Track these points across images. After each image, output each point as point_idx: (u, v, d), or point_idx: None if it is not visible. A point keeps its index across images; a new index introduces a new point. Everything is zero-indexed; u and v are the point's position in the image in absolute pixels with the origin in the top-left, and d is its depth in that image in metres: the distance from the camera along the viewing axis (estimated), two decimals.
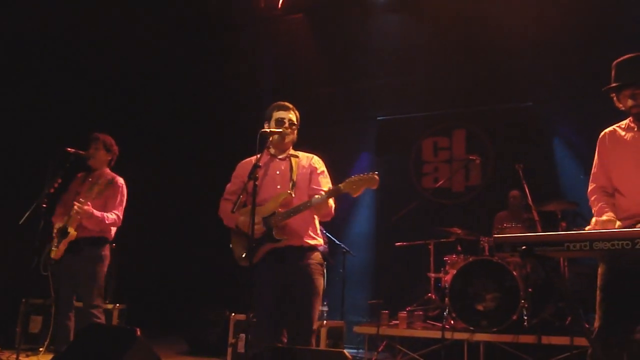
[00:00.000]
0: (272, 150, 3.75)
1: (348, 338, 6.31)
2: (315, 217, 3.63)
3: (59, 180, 4.66)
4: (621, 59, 3.06)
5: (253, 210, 3.38)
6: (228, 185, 3.78)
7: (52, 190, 4.62)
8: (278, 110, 3.77)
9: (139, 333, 3.06)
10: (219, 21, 7.89)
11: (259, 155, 3.48)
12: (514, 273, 5.35)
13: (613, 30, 6.66)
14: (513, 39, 7.00)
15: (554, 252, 2.75)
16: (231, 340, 5.40)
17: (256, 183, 3.42)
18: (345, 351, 2.43)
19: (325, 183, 3.63)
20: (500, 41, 7.05)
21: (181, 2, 7.46)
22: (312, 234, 3.56)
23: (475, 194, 7.78)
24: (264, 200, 3.58)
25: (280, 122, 3.69)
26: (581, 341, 4.69)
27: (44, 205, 4.55)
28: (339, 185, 3.35)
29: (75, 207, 4.49)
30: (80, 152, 4.78)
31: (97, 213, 4.56)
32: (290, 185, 3.57)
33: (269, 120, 3.74)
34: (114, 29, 6.69)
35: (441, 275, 6.08)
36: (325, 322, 5.25)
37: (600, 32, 6.73)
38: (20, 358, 4.70)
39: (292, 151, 3.79)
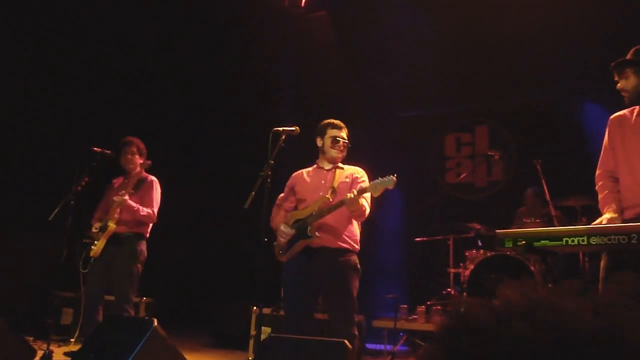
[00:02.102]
0: (320, 163, 3.98)
1: (369, 332, 6.40)
2: (354, 222, 3.77)
3: (86, 179, 4.90)
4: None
5: (266, 204, 3.56)
6: (280, 195, 4.05)
7: (79, 188, 4.86)
8: (332, 128, 3.98)
9: (155, 323, 3.21)
10: (241, 19, 8.02)
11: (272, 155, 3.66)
12: (532, 268, 5.36)
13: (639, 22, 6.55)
14: (536, 33, 6.95)
15: (553, 247, 2.80)
16: (252, 332, 5.55)
17: (267, 180, 3.59)
18: (346, 341, 2.52)
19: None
20: (523, 36, 7.00)
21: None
22: (347, 237, 3.72)
23: (498, 190, 7.76)
24: (307, 206, 3.79)
25: (335, 142, 3.88)
26: None
27: (72, 202, 4.81)
28: (364, 186, 3.49)
29: (116, 198, 4.76)
30: (107, 151, 5.02)
31: (133, 204, 4.80)
32: (330, 191, 3.74)
33: (322, 136, 3.96)
34: (137, 29, 6.88)
35: (460, 270, 6.11)
36: None
37: (626, 25, 6.62)
38: (51, 348, 4.95)
39: (338, 163, 4.00)
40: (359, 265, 3.77)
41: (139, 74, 7.51)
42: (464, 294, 5.63)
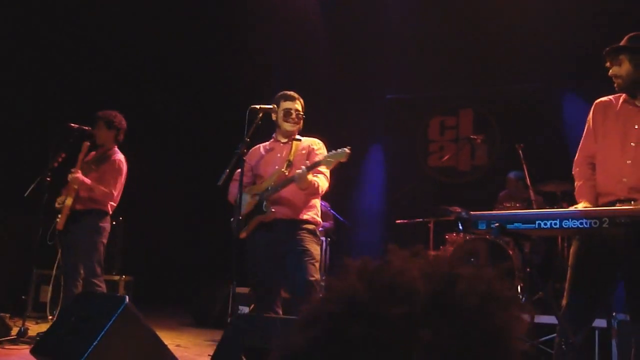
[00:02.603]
0: (278, 137, 3.90)
1: None
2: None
3: (63, 155, 4.82)
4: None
5: (240, 186, 3.53)
6: (237, 170, 3.91)
7: (55, 165, 4.78)
8: (285, 100, 3.89)
9: (127, 300, 3.18)
10: (229, 3, 7.92)
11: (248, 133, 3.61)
12: (510, 252, 5.38)
13: (625, 11, 6.54)
14: (523, 19, 6.93)
15: (526, 230, 2.80)
16: (230, 312, 5.54)
17: (244, 158, 3.56)
18: None
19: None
20: (509, 21, 6.98)
21: None
22: (305, 210, 3.66)
23: (482, 174, 7.77)
24: (263, 180, 3.75)
25: (288, 114, 3.81)
26: None
27: (48, 179, 4.73)
28: (317, 160, 3.43)
29: (70, 176, 4.65)
30: (85, 127, 4.91)
31: (87, 181, 4.65)
32: (286, 164, 3.68)
33: (276, 109, 3.84)
34: (127, 12, 6.77)
35: (440, 253, 6.12)
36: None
37: (612, 13, 6.61)
38: (29, 325, 4.92)
39: (296, 137, 3.92)
40: (319, 234, 3.73)
41: (118, 49, 7.41)
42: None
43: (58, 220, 4.75)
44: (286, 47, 8.54)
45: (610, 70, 2.96)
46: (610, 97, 3.11)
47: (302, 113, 3.87)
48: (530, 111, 7.37)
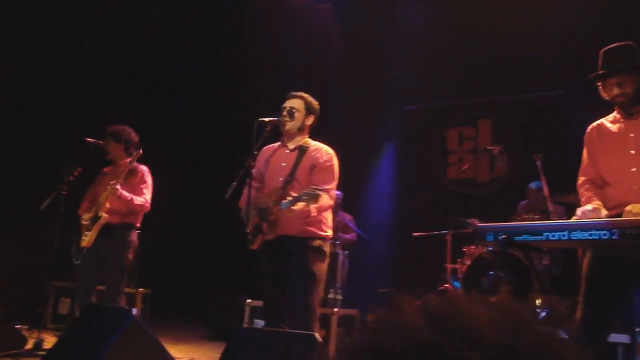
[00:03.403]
0: (285, 141, 3.82)
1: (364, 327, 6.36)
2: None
3: (79, 169, 4.89)
4: (608, 47, 3.02)
5: (249, 200, 3.52)
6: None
7: (71, 178, 4.85)
8: (286, 99, 3.84)
9: (134, 313, 3.19)
10: (244, 10, 7.99)
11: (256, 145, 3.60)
12: (526, 264, 5.26)
13: None
14: (542, 27, 6.84)
15: (534, 242, 2.74)
16: (245, 325, 5.52)
17: (251, 172, 3.55)
18: (317, 334, 2.48)
19: (324, 180, 3.59)
20: (528, 29, 6.90)
21: None
22: (308, 223, 3.56)
23: (501, 185, 7.66)
24: (268, 189, 3.72)
25: (281, 112, 3.76)
26: None
27: (64, 192, 4.80)
28: (298, 195, 3.32)
29: (108, 187, 4.67)
30: (100, 142, 4.98)
31: (126, 194, 4.71)
32: (285, 182, 3.59)
33: None
34: (134, 18, 6.86)
35: (458, 266, 6.03)
36: (336, 309, 5.30)
37: (634, 19, 6.50)
38: (47, 336, 4.97)
39: (306, 141, 3.79)
40: (325, 249, 3.61)
41: (133, 65, 7.50)
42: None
43: (85, 238, 4.75)
44: (304, 58, 8.56)
45: (616, 89, 2.92)
46: (601, 119, 3.14)
47: (295, 109, 3.72)
48: (551, 120, 7.24)
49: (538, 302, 5.24)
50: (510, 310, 0.73)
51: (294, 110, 3.73)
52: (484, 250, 5.64)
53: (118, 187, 4.68)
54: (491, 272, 5.47)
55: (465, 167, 6.93)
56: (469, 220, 6.09)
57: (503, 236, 2.76)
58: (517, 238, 2.75)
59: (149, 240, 6.77)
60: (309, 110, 3.79)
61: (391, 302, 0.77)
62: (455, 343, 0.68)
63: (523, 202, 6.57)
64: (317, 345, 2.47)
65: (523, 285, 5.26)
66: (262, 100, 8.33)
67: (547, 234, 2.64)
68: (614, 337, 4.61)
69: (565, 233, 2.58)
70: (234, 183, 3.49)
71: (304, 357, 2.43)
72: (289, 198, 3.34)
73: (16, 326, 4.98)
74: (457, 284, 6.08)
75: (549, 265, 5.59)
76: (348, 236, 7.00)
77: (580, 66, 7.00)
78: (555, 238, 2.61)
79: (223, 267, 7.78)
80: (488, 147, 6.33)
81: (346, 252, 6.85)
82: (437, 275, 6.44)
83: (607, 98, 3.01)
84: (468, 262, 5.73)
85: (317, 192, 3.25)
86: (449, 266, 6.20)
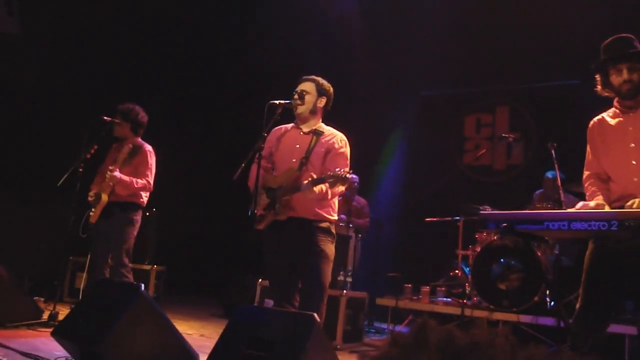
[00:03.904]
0: (298, 123, 3.85)
1: (375, 310, 6.44)
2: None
3: (95, 147, 4.99)
4: (612, 38, 3.03)
5: (257, 180, 3.56)
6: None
7: (88, 156, 4.96)
8: (299, 83, 3.85)
9: (142, 288, 3.28)
10: None
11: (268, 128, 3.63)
12: (538, 254, 5.27)
13: None
14: (561, 15, 6.76)
15: (535, 231, 2.75)
16: (256, 304, 5.62)
17: (261, 153, 3.58)
18: (316, 315, 2.53)
19: (338, 166, 3.52)
20: (547, 16, 6.82)
21: None
22: (317, 207, 3.57)
23: (517, 173, 7.62)
24: (279, 170, 3.75)
25: (292, 95, 3.78)
26: None
27: (80, 170, 4.92)
28: (322, 176, 3.34)
29: (107, 175, 4.81)
30: (116, 120, 5.07)
31: (125, 178, 4.83)
32: (300, 163, 3.60)
33: None
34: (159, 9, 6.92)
35: (469, 252, 6.05)
36: (345, 291, 5.36)
37: None
38: (62, 309, 5.12)
39: (320, 125, 3.79)
40: (333, 230, 3.64)
41: (156, 48, 7.57)
42: (469, 276, 5.58)
43: (92, 213, 4.93)
44: (324, 43, 8.56)
45: (626, 74, 2.91)
46: (602, 114, 3.15)
47: (306, 91, 3.72)
48: (568, 109, 7.16)
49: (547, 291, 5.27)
50: (524, 350, 0.75)
51: (304, 93, 3.74)
52: (495, 237, 5.65)
53: (116, 173, 4.77)
54: (502, 260, 5.48)
55: (481, 153, 6.91)
56: (481, 207, 6.08)
57: (504, 224, 2.77)
58: (519, 226, 2.76)
59: (164, 218, 6.92)
60: (320, 92, 3.78)
61: (414, 327, 0.80)
62: None
63: (539, 191, 6.54)
64: (316, 325, 2.53)
65: (533, 273, 5.27)
66: (282, 85, 8.38)
67: (547, 223, 2.65)
68: (621, 329, 4.63)
69: (565, 223, 2.59)
70: (243, 164, 3.52)
71: (304, 336, 2.49)
72: (310, 179, 3.36)
73: (34, 298, 5.12)
74: (467, 270, 6.10)
75: (558, 255, 5.57)
76: (361, 221, 7.04)
77: (597, 56, 6.93)
78: (556, 228, 2.62)
79: (237, 246, 7.87)
80: (504, 135, 6.29)
81: (359, 236, 6.90)
82: (448, 261, 6.47)
83: (603, 92, 3.04)
84: (479, 249, 5.74)
85: (343, 174, 3.26)
86: (460, 252, 6.23)
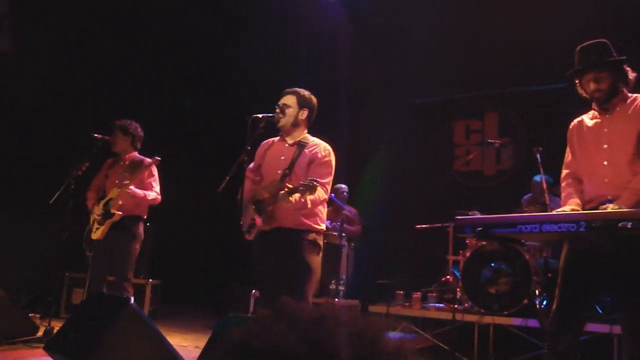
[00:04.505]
0: (283, 135, 3.93)
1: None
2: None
3: (87, 164, 5.09)
4: (584, 44, 3.12)
5: (242, 192, 3.65)
6: (250, 165, 3.94)
7: (80, 173, 5.06)
8: (281, 96, 3.94)
9: (131, 301, 3.35)
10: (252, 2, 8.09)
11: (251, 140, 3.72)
12: (527, 257, 5.33)
13: None
14: (547, 19, 6.85)
15: (509, 234, 2.83)
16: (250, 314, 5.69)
17: (244, 166, 3.67)
18: None
19: (320, 174, 3.63)
20: (534, 22, 6.91)
21: None
22: (302, 217, 3.62)
23: (507, 178, 7.70)
24: (265, 182, 3.84)
25: (275, 108, 3.88)
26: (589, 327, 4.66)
27: (73, 187, 5.01)
28: (295, 186, 3.37)
29: (121, 190, 4.83)
30: (107, 137, 5.17)
31: (140, 192, 4.92)
32: (282, 175, 3.66)
33: None
34: (143, 13, 7.01)
35: (460, 257, 6.10)
36: (337, 300, 5.43)
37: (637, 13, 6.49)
38: (54, 324, 5.18)
39: (305, 136, 3.86)
40: (319, 242, 3.68)
41: (148, 62, 7.67)
42: (460, 281, 5.64)
43: (97, 231, 4.95)
44: (312, 51, 8.65)
45: (593, 85, 3.03)
46: (582, 116, 3.26)
47: (287, 105, 3.79)
48: (555, 113, 7.24)
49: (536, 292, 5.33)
50: (370, 328, 0.82)
51: (285, 107, 3.82)
52: (485, 242, 5.71)
53: (132, 187, 4.84)
54: (492, 264, 5.54)
55: (471, 157, 7.00)
56: (470, 213, 6.15)
57: (479, 228, 2.85)
58: (493, 230, 2.84)
59: (159, 232, 6.99)
60: (302, 105, 3.85)
61: (274, 307, 0.88)
62: (315, 353, 0.78)
63: (527, 196, 6.62)
64: None
65: (522, 277, 5.33)
66: (271, 95, 8.47)
67: (520, 226, 2.73)
68: (608, 329, 4.68)
69: (537, 225, 2.67)
70: (227, 177, 3.61)
71: None
72: (286, 189, 3.41)
73: (29, 315, 5.18)
74: (459, 275, 6.16)
75: (547, 258, 5.63)
76: (353, 228, 7.12)
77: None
78: (528, 230, 2.70)
79: (231, 258, 7.95)
80: (489, 140, 6.38)
81: (352, 244, 6.98)
82: (440, 267, 6.54)
83: (585, 95, 3.11)
84: (468, 254, 5.80)
85: (314, 183, 3.34)
86: (451, 258, 6.28)
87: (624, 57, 3.08)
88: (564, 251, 2.95)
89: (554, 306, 2.90)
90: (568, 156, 3.28)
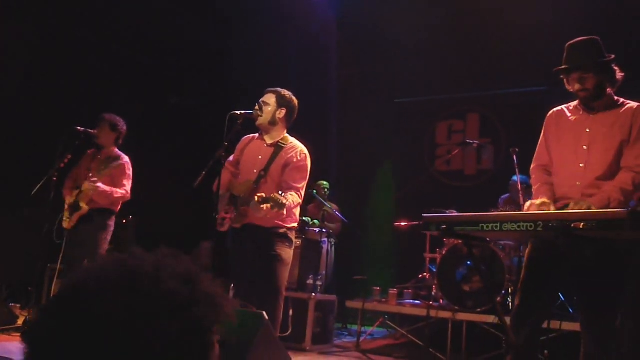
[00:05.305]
0: (262, 134, 4.01)
1: (346, 313, 6.60)
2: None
3: (69, 156, 5.13)
4: (573, 41, 3.03)
5: (217, 188, 3.73)
6: (230, 158, 4.04)
7: (62, 165, 5.10)
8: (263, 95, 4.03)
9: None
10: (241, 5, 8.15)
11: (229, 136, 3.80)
12: (501, 256, 5.45)
13: (632, 15, 6.52)
14: (528, 23, 6.96)
15: (472, 232, 2.92)
16: None
17: (222, 162, 3.75)
18: (265, 313, 2.69)
19: (295, 179, 3.75)
20: (515, 25, 7.03)
21: None
22: (274, 217, 3.67)
23: (487, 178, 7.83)
24: (241, 179, 3.93)
25: (255, 105, 3.96)
26: (557, 324, 4.77)
27: (54, 179, 5.06)
28: (268, 197, 3.39)
29: (88, 185, 4.92)
30: (90, 130, 5.22)
31: (105, 188, 4.98)
32: (258, 176, 3.77)
33: None
34: (135, 9, 7.05)
35: (437, 255, 6.22)
36: (313, 294, 5.51)
37: (618, 16, 6.61)
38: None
39: (284, 137, 3.93)
40: (291, 236, 3.77)
41: (133, 56, 7.71)
42: (435, 279, 5.75)
43: (66, 219, 5.06)
44: (299, 52, 8.72)
45: (577, 85, 2.97)
46: (563, 106, 3.21)
47: (266, 102, 3.88)
48: (536, 114, 7.35)
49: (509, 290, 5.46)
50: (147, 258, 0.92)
51: (264, 104, 3.91)
52: (459, 241, 5.82)
53: (99, 185, 4.91)
54: (467, 262, 5.66)
55: (451, 156, 7.09)
56: (447, 211, 6.25)
57: (443, 226, 2.94)
58: (457, 228, 2.93)
59: (141, 226, 7.05)
60: (280, 104, 3.94)
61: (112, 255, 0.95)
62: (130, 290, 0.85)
63: (505, 196, 6.74)
64: (264, 322, 2.69)
65: (495, 275, 5.45)
66: (256, 92, 8.53)
67: (482, 224, 2.81)
68: (577, 327, 4.80)
69: (498, 224, 2.75)
70: (204, 172, 3.69)
71: (252, 332, 2.65)
72: (258, 197, 3.42)
73: (10, 305, 5.24)
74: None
75: (522, 257, 5.74)
76: (333, 225, 7.21)
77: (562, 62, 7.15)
78: (489, 229, 2.78)
79: (212, 250, 8.01)
80: (468, 140, 6.49)
81: (332, 241, 7.07)
82: (418, 265, 6.65)
83: (572, 90, 3.04)
84: (444, 252, 5.92)
85: (283, 202, 3.36)
86: (428, 256, 6.40)
87: (612, 57, 2.99)
88: (528, 249, 3.04)
89: (516, 302, 2.99)
90: (541, 147, 3.21)
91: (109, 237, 5.13)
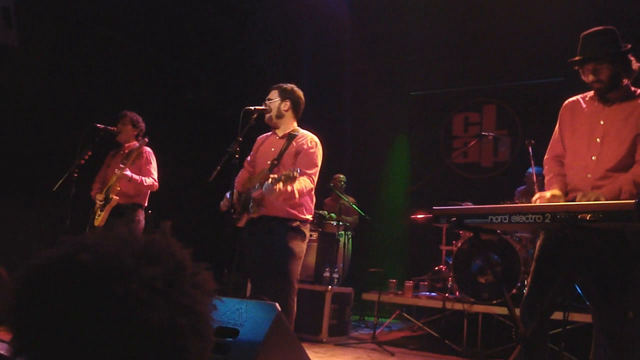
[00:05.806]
0: (274, 128, 4.10)
1: (363, 305, 6.65)
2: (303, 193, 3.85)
3: (89, 153, 5.25)
4: (588, 31, 2.98)
5: (233, 183, 3.81)
6: (248, 157, 4.17)
7: (82, 162, 5.21)
8: None
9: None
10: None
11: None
12: (517, 248, 5.45)
13: None
14: (545, 13, 6.92)
15: (481, 224, 2.95)
16: None
17: (235, 156, 3.82)
18: (277, 304, 2.75)
19: (306, 165, 3.77)
20: (532, 15, 6.98)
21: None
22: (288, 207, 3.75)
23: (504, 169, 7.80)
24: (256, 172, 4.02)
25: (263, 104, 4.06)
26: (575, 317, 4.78)
27: (75, 175, 5.18)
28: (278, 176, 3.42)
29: (117, 172, 5.06)
30: (110, 127, 5.36)
31: (135, 176, 5.11)
32: (271, 165, 3.84)
33: None
34: (148, 6, 7.14)
35: (453, 248, 6.23)
36: (330, 287, 5.57)
37: (636, 7, 6.54)
38: None
39: (295, 129, 4.00)
40: (304, 229, 3.81)
41: (149, 54, 7.81)
42: (450, 271, 5.78)
43: (98, 217, 5.18)
44: (314, 45, 8.76)
45: (591, 76, 2.92)
46: (578, 96, 3.16)
47: (270, 99, 3.96)
48: (553, 106, 7.30)
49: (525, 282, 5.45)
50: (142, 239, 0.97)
51: (268, 101, 4.01)
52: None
53: (127, 172, 5.03)
54: (482, 254, 5.67)
55: (467, 148, 7.10)
56: (463, 204, 6.26)
57: (453, 219, 2.97)
58: (467, 220, 2.96)
59: (159, 220, 7.16)
60: (283, 96, 4.01)
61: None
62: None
63: (521, 187, 6.72)
64: (277, 313, 2.75)
65: (511, 267, 5.46)
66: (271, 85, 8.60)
67: (491, 217, 2.83)
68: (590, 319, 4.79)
69: (506, 216, 2.77)
70: (218, 167, 3.76)
71: (266, 322, 2.72)
72: (271, 178, 3.48)
73: None
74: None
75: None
76: (350, 218, 7.25)
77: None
78: (498, 221, 2.80)
79: (230, 246, 8.11)
80: (483, 133, 6.47)
81: (349, 233, 7.12)
82: (434, 257, 6.68)
83: (587, 81, 2.99)
84: (460, 244, 5.93)
85: (294, 173, 3.47)
86: (444, 248, 6.42)
87: (628, 47, 2.92)
88: (540, 240, 3.05)
89: (526, 292, 3.01)
90: (555, 136, 3.18)
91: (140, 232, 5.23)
